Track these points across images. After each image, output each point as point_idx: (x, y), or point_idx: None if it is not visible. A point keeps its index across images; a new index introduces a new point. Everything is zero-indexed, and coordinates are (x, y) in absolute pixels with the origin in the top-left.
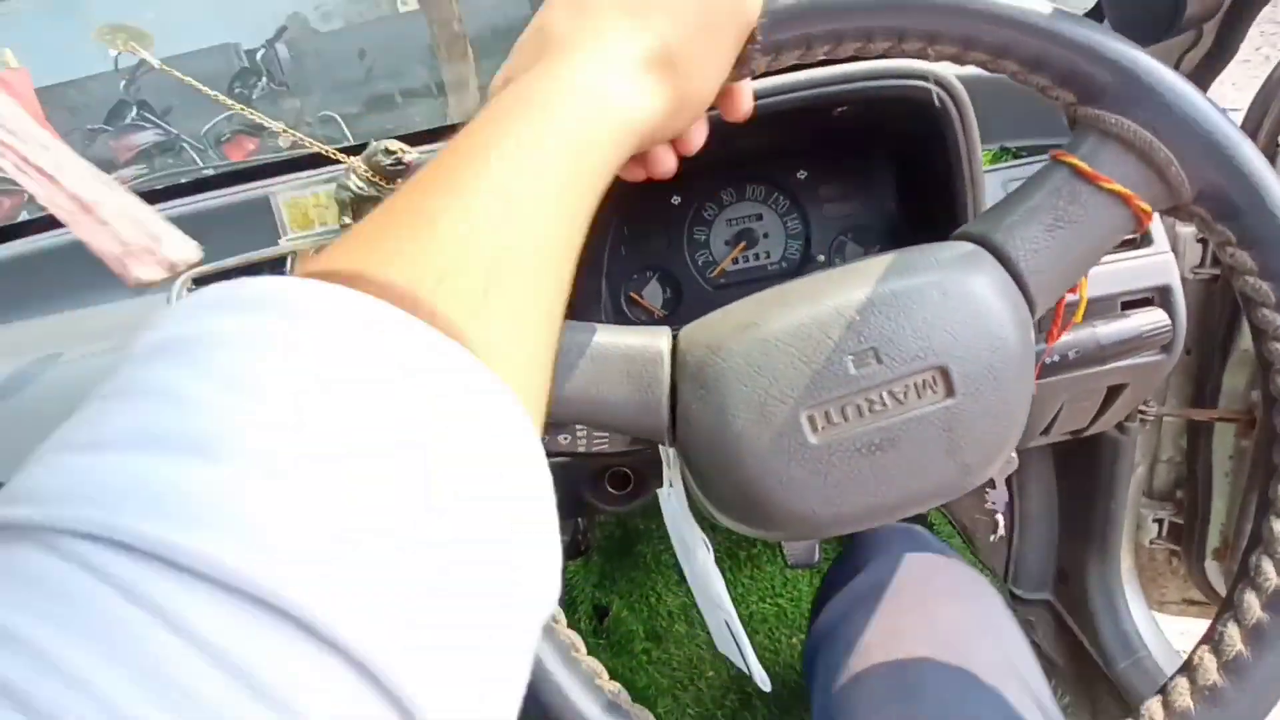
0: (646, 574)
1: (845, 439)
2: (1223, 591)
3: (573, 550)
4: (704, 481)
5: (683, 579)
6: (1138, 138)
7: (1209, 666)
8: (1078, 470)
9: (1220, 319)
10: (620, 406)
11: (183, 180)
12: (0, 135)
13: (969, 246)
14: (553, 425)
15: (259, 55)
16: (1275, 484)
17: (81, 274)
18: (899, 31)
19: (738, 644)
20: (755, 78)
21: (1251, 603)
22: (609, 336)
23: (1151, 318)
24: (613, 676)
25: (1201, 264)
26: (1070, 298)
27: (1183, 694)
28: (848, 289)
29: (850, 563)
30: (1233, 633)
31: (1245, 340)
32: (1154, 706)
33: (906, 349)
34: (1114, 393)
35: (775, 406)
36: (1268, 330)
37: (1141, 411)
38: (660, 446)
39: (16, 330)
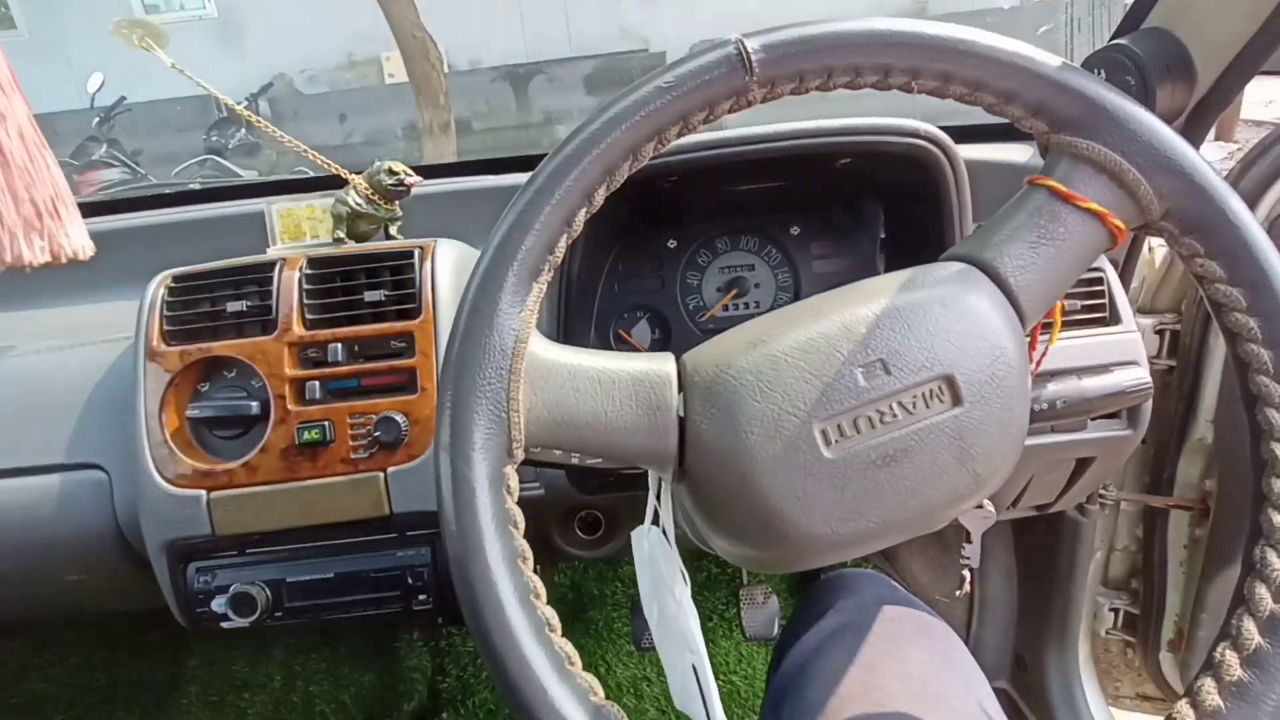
0: (597, 642)
1: (859, 451)
2: (1176, 686)
3: None
4: (712, 506)
5: (634, 650)
6: (1108, 160)
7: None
8: (1037, 554)
9: (1176, 409)
10: (628, 431)
11: (167, 191)
12: None
13: (961, 265)
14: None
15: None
16: (1258, 545)
17: (41, 276)
18: (885, 68)
19: (703, 691)
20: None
21: (1251, 623)
22: (615, 361)
23: (1134, 374)
24: None
25: (1158, 355)
26: (1040, 340)
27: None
28: (852, 305)
29: (815, 606)
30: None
31: (1199, 429)
32: None
33: (913, 359)
34: (1082, 466)
35: (788, 421)
36: (1240, 333)
37: (1101, 495)
38: (650, 474)
39: None
